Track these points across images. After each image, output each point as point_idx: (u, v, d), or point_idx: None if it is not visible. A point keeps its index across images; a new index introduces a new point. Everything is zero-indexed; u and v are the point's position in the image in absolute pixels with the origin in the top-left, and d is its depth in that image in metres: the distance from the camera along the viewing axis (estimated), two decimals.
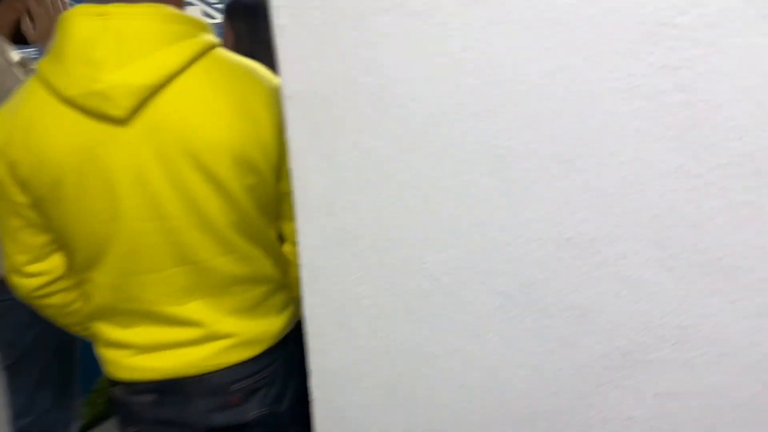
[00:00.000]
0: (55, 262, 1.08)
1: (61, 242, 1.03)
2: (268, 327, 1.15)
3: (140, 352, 1.12)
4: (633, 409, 0.82)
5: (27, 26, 1.64)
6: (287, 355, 1.21)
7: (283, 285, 1.18)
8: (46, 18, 1.62)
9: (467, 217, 0.82)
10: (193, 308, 1.09)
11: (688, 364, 0.73)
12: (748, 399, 0.73)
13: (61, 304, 1.13)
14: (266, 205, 1.07)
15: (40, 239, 1.04)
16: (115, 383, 1.16)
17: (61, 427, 1.88)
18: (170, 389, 1.12)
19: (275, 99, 0.98)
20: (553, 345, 0.80)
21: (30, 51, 1.98)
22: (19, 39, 1.66)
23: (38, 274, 1.07)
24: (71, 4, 1.67)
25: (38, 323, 1.47)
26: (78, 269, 1.06)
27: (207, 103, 0.95)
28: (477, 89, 0.76)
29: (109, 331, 1.13)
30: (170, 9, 0.94)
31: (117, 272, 1.04)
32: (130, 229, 0.99)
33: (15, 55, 1.61)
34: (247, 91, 0.99)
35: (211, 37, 0.99)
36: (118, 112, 0.90)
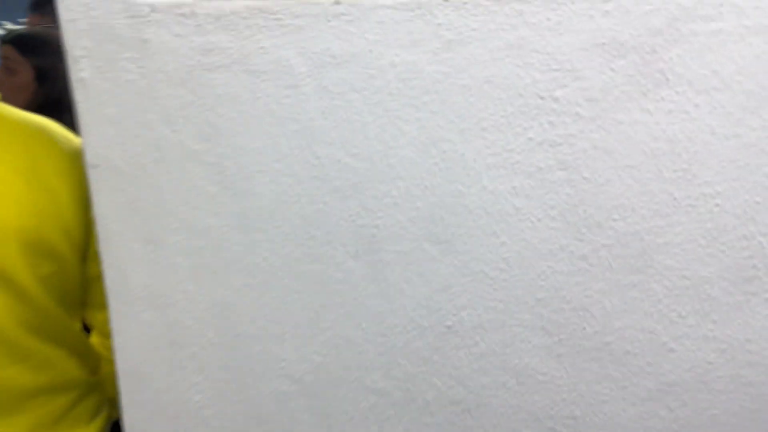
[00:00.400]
0: None
1: None
2: None
3: None
4: None
5: None
6: None
7: (93, 386, 0.98)
8: None
9: (332, 306, 0.71)
10: None
11: None
12: None
13: None
14: (69, 295, 0.88)
15: None
16: None
17: None
18: None
19: (77, 165, 0.80)
20: None
21: None
22: None
23: None
24: None
25: None
26: None
27: None
28: (339, 162, 0.66)
29: None
30: None
31: None
32: None
33: None
34: (40, 156, 0.81)
35: None
36: None
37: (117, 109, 0.70)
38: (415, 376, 0.71)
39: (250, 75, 0.67)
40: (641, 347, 0.64)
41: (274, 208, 0.70)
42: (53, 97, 1.29)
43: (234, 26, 0.66)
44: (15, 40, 1.41)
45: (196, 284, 0.75)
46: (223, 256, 0.73)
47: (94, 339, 0.99)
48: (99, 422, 0.99)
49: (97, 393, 1.00)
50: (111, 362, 0.77)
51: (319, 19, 0.63)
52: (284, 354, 0.74)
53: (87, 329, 1.00)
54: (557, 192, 0.61)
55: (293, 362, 0.73)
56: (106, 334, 0.81)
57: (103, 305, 0.81)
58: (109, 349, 0.79)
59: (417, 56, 0.61)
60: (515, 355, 0.67)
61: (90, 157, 0.72)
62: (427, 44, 0.61)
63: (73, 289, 0.88)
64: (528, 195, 0.62)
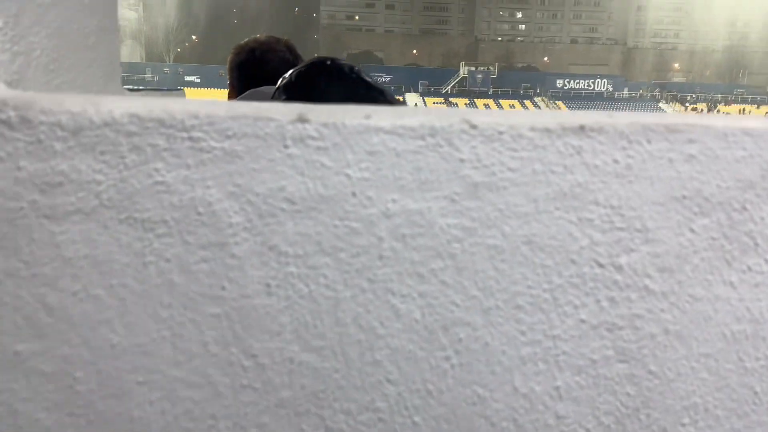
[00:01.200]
0: None
1: None
2: None
3: None
4: None
5: None
6: None
7: None
8: None
9: None
10: None
11: None
12: None
13: None
14: None
15: None
16: None
17: None
18: None
19: None
20: None
21: None
22: None
23: None
24: None
25: None
26: None
27: None
28: (290, 361, 0.44)
29: None
30: None
31: None
32: None
33: None
34: None
35: None
36: None
37: None
38: None
39: (134, 227, 0.41)
40: None
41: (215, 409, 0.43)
42: None
43: (108, 146, 0.39)
44: None
45: None
46: None
47: None
48: None
49: None
50: None
51: (269, 143, 0.40)
52: None
53: None
54: (615, 392, 0.46)
55: None
56: None
57: None
58: None
59: (426, 204, 0.42)
60: None
61: None
62: (443, 188, 0.41)
63: None
64: (575, 398, 0.45)
